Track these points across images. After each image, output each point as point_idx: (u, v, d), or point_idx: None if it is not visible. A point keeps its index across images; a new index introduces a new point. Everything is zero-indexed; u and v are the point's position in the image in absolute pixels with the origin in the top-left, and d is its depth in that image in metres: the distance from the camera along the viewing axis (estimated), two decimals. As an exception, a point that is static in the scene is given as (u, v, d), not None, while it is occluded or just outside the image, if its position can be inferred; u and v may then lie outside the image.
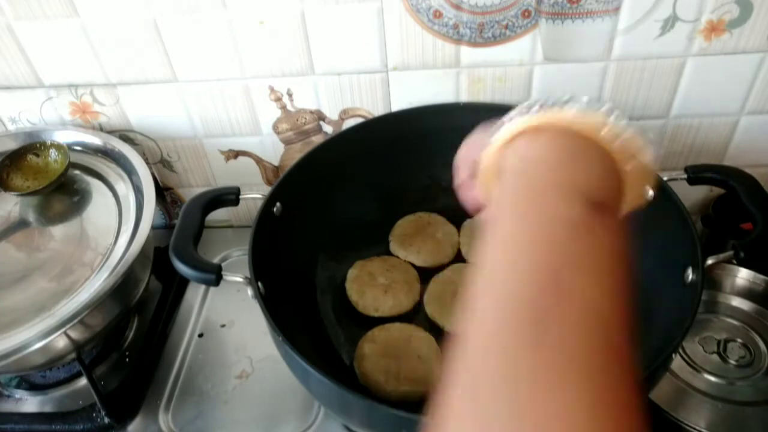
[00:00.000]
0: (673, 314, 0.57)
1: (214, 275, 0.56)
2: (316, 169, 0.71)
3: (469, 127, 0.75)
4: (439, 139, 0.77)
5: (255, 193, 0.65)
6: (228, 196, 0.65)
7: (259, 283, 0.57)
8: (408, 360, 0.62)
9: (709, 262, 0.55)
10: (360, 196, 0.76)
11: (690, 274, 0.55)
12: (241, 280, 0.57)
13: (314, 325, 0.69)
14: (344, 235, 0.75)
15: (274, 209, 0.66)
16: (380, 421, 0.51)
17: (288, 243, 0.68)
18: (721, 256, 0.55)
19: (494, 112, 0.73)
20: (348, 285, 0.71)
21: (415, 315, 0.70)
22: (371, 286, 0.70)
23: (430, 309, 0.69)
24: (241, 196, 0.65)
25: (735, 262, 0.56)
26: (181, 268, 0.57)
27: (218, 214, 0.88)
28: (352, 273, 0.72)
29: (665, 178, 0.62)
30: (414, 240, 0.75)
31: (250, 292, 0.56)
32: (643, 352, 0.59)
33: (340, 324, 0.69)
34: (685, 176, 0.62)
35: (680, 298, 0.56)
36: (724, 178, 0.61)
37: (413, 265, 0.74)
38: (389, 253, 0.76)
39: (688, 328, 0.51)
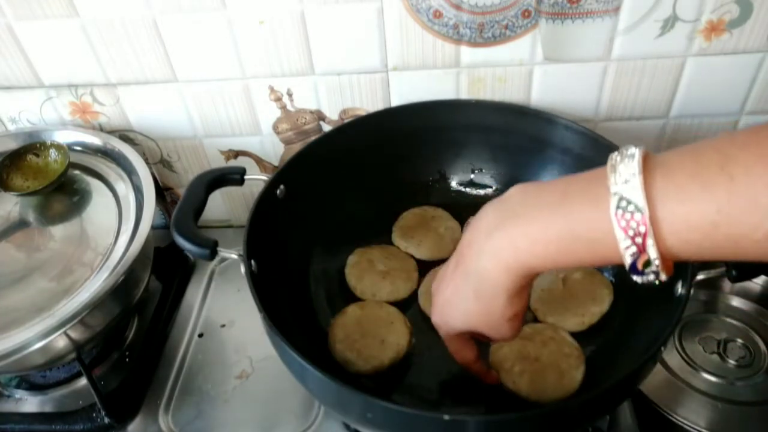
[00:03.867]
0: (659, 322, 0.57)
1: (209, 250, 0.58)
2: (324, 156, 0.71)
3: (475, 123, 0.75)
4: (448, 135, 0.77)
5: (260, 175, 0.66)
6: (233, 176, 0.66)
7: (252, 261, 0.58)
8: (373, 338, 0.64)
9: (700, 277, 0.55)
10: (364, 189, 0.76)
11: (679, 288, 0.55)
12: (235, 256, 0.58)
13: (308, 318, 0.69)
14: (343, 228, 0.75)
15: (278, 191, 0.66)
16: (382, 416, 0.51)
17: (287, 229, 0.68)
18: (713, 272, 0.55)
19: (497, 110, 0.74)
20: (348, 270, 0.72)
21: (412, 303, 0.70)
22: (370, 272, 0.71)
23: (423, 301, 0.70)
24: (246, 177, 0.65)
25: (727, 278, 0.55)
26: (180, 241, 0.59)
27: (218, 214, 0.88)
28: (352, 259, 0.73)
29: None
30: (416, 232, 0.75)
31: (242, 268, 0.57)
32: (630, 350, 0.59)
33: (334, 316, 0.70)
34: None
35: (669, 308, 0.56)
36: None
37: (413, 257, 0.74)
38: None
39: (666, 340, 0.51)
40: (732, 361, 0.68)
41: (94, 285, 0.62)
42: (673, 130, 0.75)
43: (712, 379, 0.66)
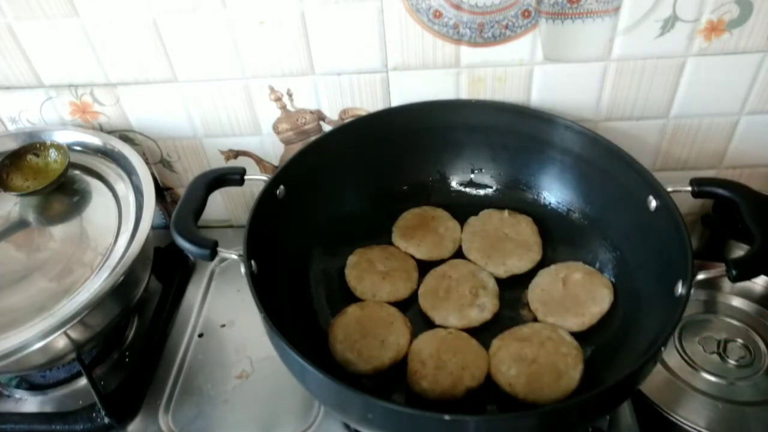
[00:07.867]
0: (660, 322, 0.57)
1: (209, 250, 0.58)
2: (324, 156, 0.71)
3: (475, 123, 0.75)
4: (448, 135, 0.77)
5: (260, 175, 0.66)
6: (233, 176, 0.66)
7: (252, 262, 0.58)
8: (373, 338, 0.65)
9: (700, 277, 0.55)
10: (364, 189, 0.77)
11: (680, 288, 0.55)
12: (235, 256, 0.58)
13: (308, 318, 0.69)
14: (343, 228, 0.75)
15: (278, 191, 0.66)
16: (380, 416, 0.51)
17: (287, 229, 0.68)
18: (712, 272, 0.55)
19: (497, 110, 0.74)
20: (347, 271, 0.72)
21: (412, 303, 0.70)
22: (370, 273, 0.71)
23: (423, 301, 0.70)
24: (246, 177, 0.66)
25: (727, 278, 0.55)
26: (180, 241, 0.59)
27: (218, 214, 0.88)
28: (352, 259, 0.73)
29: (669, 189, 0.61)
30: (416, 232, 0.75)
31: (242, 268, 0.57)
32: (630, 350, 0.60)
33: (334, 317, 0.70)
34: (690, 189, 0.61)
35: (669, 308, 0.56)
36: (729, 194, 0.60)
37: (413, 258, 0.74)
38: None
39: (666, 340, 0.51)
40: (732, 361, 0.68)
41: (94, 285, 0.62)
42: (673, 130, 0.75)
43: (712, 379, 0.66)
